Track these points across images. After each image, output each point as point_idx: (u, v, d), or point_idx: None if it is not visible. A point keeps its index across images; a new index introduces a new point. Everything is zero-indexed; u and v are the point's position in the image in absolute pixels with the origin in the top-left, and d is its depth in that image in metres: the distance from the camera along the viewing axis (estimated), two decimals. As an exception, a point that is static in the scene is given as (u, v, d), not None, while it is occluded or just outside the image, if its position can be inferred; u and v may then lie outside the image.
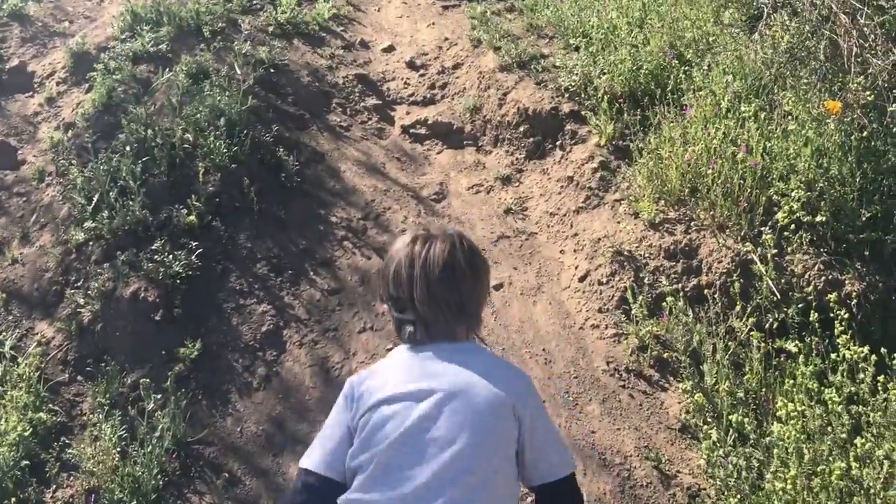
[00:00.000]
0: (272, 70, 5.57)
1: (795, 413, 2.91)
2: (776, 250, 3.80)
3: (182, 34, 5.81)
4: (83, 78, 5.68)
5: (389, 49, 6.52)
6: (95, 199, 4.45)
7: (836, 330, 3.40)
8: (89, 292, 4.08)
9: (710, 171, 4.14)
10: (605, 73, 5.16)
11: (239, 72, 5.36)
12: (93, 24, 6.52)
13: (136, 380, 3.72)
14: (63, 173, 4.80)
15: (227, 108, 4.87)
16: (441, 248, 1.89)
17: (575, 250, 4.44)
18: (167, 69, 5.32)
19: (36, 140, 5.39)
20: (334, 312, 4.15)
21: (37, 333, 4.05)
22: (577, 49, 5.76)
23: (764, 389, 3.42)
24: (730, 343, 3.62)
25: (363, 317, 4.12)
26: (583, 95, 5.26)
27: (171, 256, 4.14)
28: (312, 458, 1.79)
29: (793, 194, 3.87)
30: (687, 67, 4.87)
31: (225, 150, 4.63)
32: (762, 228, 3.94)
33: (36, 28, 6.49)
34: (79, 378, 3.85)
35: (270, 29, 6.17)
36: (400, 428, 1.70)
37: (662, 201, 4.35)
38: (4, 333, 4.06)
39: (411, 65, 6.26)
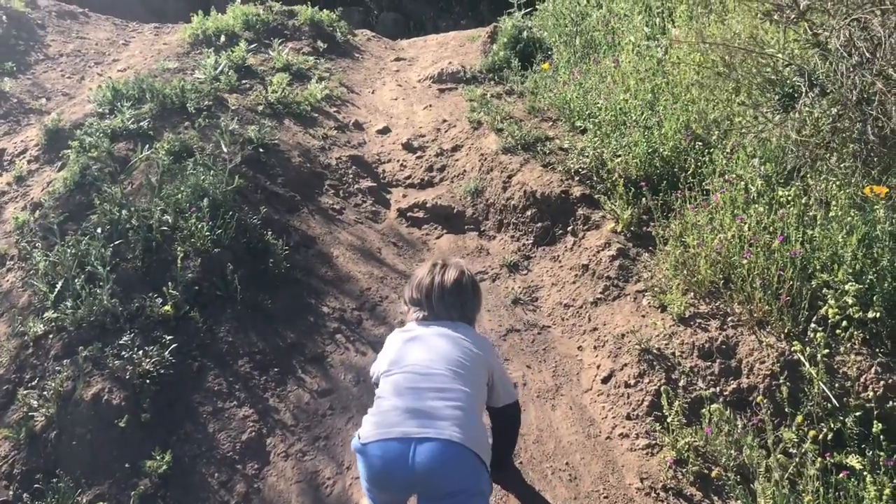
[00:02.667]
0: (261, 150, 5.20)
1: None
2: (826, 350, 3.38)
3: (165, 111, 5.46)
4: (57, 156, 5.28)
5: (385, 130, 6.21)
6: (59, 286, 3.97)
7: (904, 443, 2.99)
8: (45, 393, 3.55)
9: (744, 261, 3.76)
10: (618, 156, 4.84)
11: (225, 150, 4.98)
12: (71, 101, 6.17)
13: (93, 499, 3.16)
14: (25, 257, 4.32)
15: (212, 188, 4.46)
16: (454, 272, 3.02)
17: (595, 347, 3.99)
18: (147, 147, 4.94)
19: (0, 221, 4.94)
20: (325, 417, 3.64)
21: (-20, 442, 3.50)
22: (583, 131, 5.47)
23: (827, 514, 2.95)
24: (780, 457, 3.15)
25: (358, 423, 3.59)
26: (595, 178, 4.92)
27: (140, 352, 3.65)
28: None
29: (843, 288, 3.48)
30: (708, 150, 4.55)
31: (207, 234, 4.20)
32: (808, 325, 3.53)
33: (10, 104, 6.13)
34: (25, 497, 3.27)
35: (260, 108, 5.86)
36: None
37: (692, 293, 3.94)
38: (-59, 442, 3.50)
39: (408, 146, 5.94)
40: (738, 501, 3.11)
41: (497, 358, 3.05)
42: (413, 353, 2.80)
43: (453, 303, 2.96)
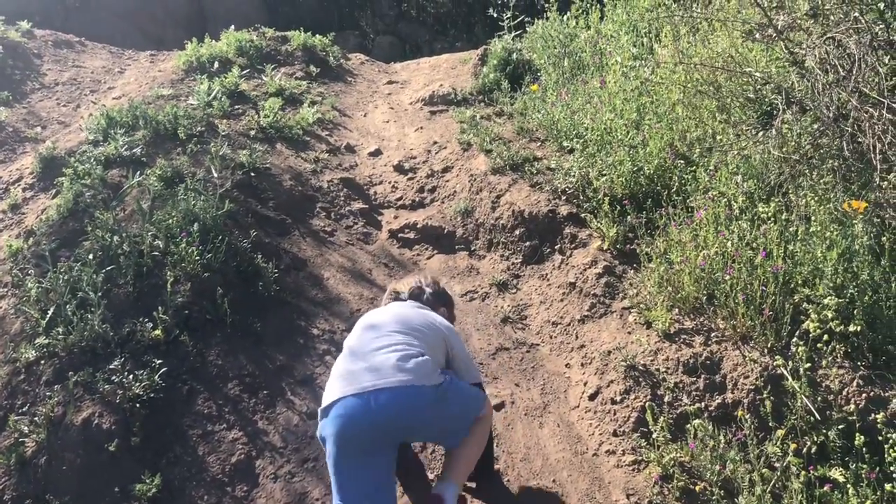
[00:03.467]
0: (252, 174, 5.27)
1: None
2: (808, 364, 3.41)
3: (158, 138, 5.54)
4: (51, 183, 5.34)
5: (376, 153, 6.28)
6: (51, 312, 4.01)
7: (886, 455, 3.01)
8: (36, 419, 3.59)
9: (727, 277, 3.79)
10: (603, 175, 4.90)
11: (216, 175, 5.04)
12: (66, 129, 6.25)
13: (83, 523, 3.19)
14: (18, 284, 4.37)
15: (202, 212, 4.52)
16: (420, 276, 3.52)
17: (583, 364, 4.02)
18: (139, 173, 5.00)
19: (-5, 249, 4.99)
20: (314, 439, 3.67)
21: (-29, 468, 3.52)
22: (571, 151, 5.53)
23: (811, 528, 2.96)
24: (764, 471, 3.17)
25: (347, 443, 3.63)
26: (581, 197, 4.97)
27: (131, 376, 3.68)
28: None
29: (823, 302, 3.51)
30: (692, 168, 4.61)
31: (197, 258, 4.25)
32: (790, 339, 3.56)
33: (6, 133, 6.20)
34: (15, 522, 3.30)
35: (252, 133, 5.93)
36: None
37: (676, 309, 3.98)
38: (-68, 469, 3.53)
39: (399, 168, 6.01)
40: (723, 516, 3.13)
41: (457, 337, 3.19)
42: (368, 321, 3.04)
43: (418, 290, 3.37)
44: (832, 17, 3.97)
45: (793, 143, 4.03)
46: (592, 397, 3.80)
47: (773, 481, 3.08)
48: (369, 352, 2.86)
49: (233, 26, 8.07)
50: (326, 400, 2.80)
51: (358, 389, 2.70)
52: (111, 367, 3.75)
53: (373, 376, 2.74)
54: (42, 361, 3.89)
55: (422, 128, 6.57)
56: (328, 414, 2.75)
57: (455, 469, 2.95)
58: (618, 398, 3.69)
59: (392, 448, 2.82)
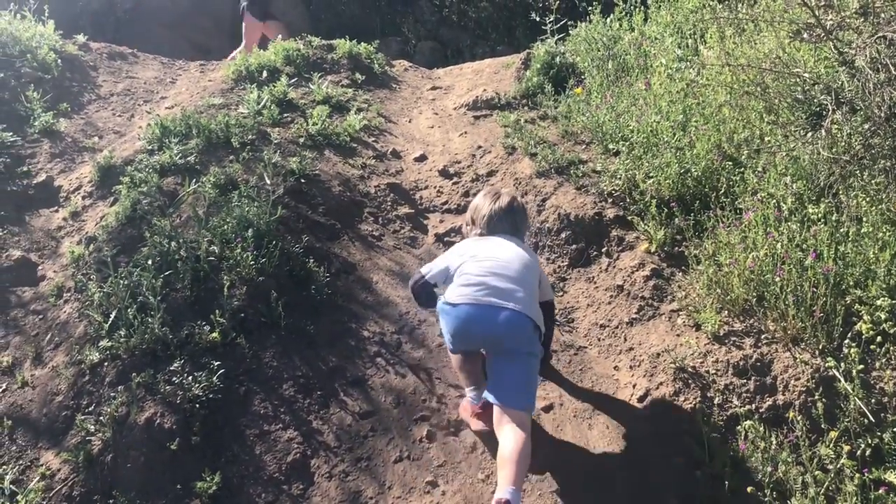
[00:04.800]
0: (303, 180, 5.38)
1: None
2: (861, 366, 3.39)
3: (211, 146, 5.68)
4: (109, 191, 5.52)
5: (422, 158, 6.36)
6: (113, 315, 4.16)
7: (944, 458, 2.99)
8: (101, 418, 3.73)
9: (777, 279, 3.79)
10: (650, 177, 4.91)
11: (268, 182, 5.17)
12: (122, 138, 6.45)
13: (147, 519, 3.31)
14: (81, 289, 4.54)
15: (256, 218, 4.64)
16: (507, 197, 3.94)
17: (631, 367, 4.04)
18: (194, 181, 5.15)
19: (57, 255, 5.18)
20: (367, 439, 3.75)
21: (41, 465, 3.67)
22: (616, 154, 5.54)
23: (866, 530, 2.95)
24: (817, 473, 3.16)
25: (399, 444, 3.71)
26: (628, 200, 4.98)
27: (190, 378, 3.81)
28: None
29: (876, 303, 3.49)
30: (739, 169, 4.59)
31: (252, 262, 4.37)
32: (843, 341, 3.54)
33: (66, 144, 6.42)
34: (84, 518, 3.44)
35: (301, 140, 6.05)
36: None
37: (726, 311, 3.98)
38: (5, 466, 3.69)
39: (444, 173, 6.08)
40: (776, 518, 3.13)
41: (540, 267, 3.95)
42: (488, 250, 3.70)
43: (509, 220, 3.86)
44: (883, 15, 3.94)
45: (843, 144, 4.00)
46: (641, 399, 3.82)
47: (826, 483, 3.08)
48: (498, 275, 3.56)
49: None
50: (461, 297, 3.54)
51: (488, 303, 3.48)
52: (171, 368, 3.88)
53: (500, 298, 3.49)
54: (105, 363, 4.04)
55: (466, 132, 6.63)
56: (457, 308, 3.55)
57: (519, 475, 3.13)
58: (667, 400, 3.70)
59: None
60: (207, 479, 3.46)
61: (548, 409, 3.86)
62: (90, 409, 3.86)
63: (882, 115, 3.64)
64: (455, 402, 3.93)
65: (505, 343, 3.45)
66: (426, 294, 3.84)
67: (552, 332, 4.07)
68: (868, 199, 3.85)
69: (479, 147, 6.31)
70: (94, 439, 3.68)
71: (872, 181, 3.88)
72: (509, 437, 3.23)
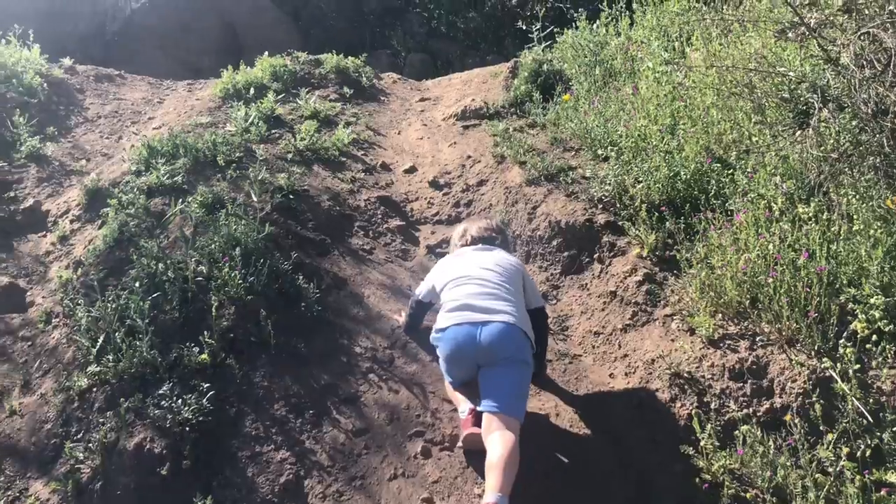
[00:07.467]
0: (291, 196, 5.35)
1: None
2: (858, 365, 3.34)
3: (198, 165, 5.65)
4: (97, 214, 5.48)
5: (411, 170, 6.33)
6: (101, 340, 4.12)
7: (945, 457, 2.94)
8: (90, 445, 3.68)
9: (770, 280, 3.75)
10: (640, 182, 4.87)
11: (256, 199, 5.14)
12: (109, 160, 6.41)
13: (138, 547, 3.25)
14: (69, 314, 4.49)
15: (244, 237, 4.60)
16: (484, 219, 4.44)
17: (626, 374, 4.00)
18: (181, 201, 5.11)
19: (46, 280, 5.13)
20: (361, 457, 3.70)
21: (31, 495, 3.61)
22: (605, 159, 5.52)
23: (869, 533, 2.90)
24: (817, 476, 3.11)
25: (393, 461, 3.66)
26: (618, 205, 4.95)
27: (180, 401, 3.75)
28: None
29: (870, 301, 3.45)
30: (729, 171, 4.56)
31: (240, 282, 4.33)
32: (838, 341, 3.50)
33: (53, 168, 6.38)
34: (74, 547, 3.38)
35: (289, 156, 6.02)
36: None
37: (720, 315, 3.94)
38: (-7, 497, 3.64)
39: (434, 184, 6.05)
40: (777, 524, 3.08)
41: (527, 270, 4.25)
42: (465, 267, 3.89)
43: (489, 235, 4.18)
44: (867, 12, 3.92)
45: (831, 142, 3.97)
46: (638, 406, 3.77)
47: (826, 486, 3.03)
48: (480, 294, 3.72)
49: (266, 52, 8.22)
50: (446, 323, 3.70)
51: (470, 321, 3.61)
52: (160, 392, 3.83)
53: (483, 314, 3.63)
54: (94, 389, 3.98)
55: (455, 143, 6.61)
56: (445, 333, 3.71)
57: (506, 481, 3.10)
58: (664, 407, 3.65)
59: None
60: (199, 503, 3.40)
61: (544, 419, 3.81)
62: (79, 436, 3.81)
63: (869, 111, 3.61)
64: (449, 415, 3.87)
65: (497, 353, 3.51)
66: (416, 315, 4.30)
67: (546, 341, 4.06)
68: (858, 197, 3.81)
69: (469, 157, 6.28)
70: (83, 467, 3.62)
71: (862, 178, 3.85)
72: (498, 442, 3.22)
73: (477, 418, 3.52)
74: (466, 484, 3.51)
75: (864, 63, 3.68)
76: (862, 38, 3.77)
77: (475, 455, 3.54)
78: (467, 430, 3.57)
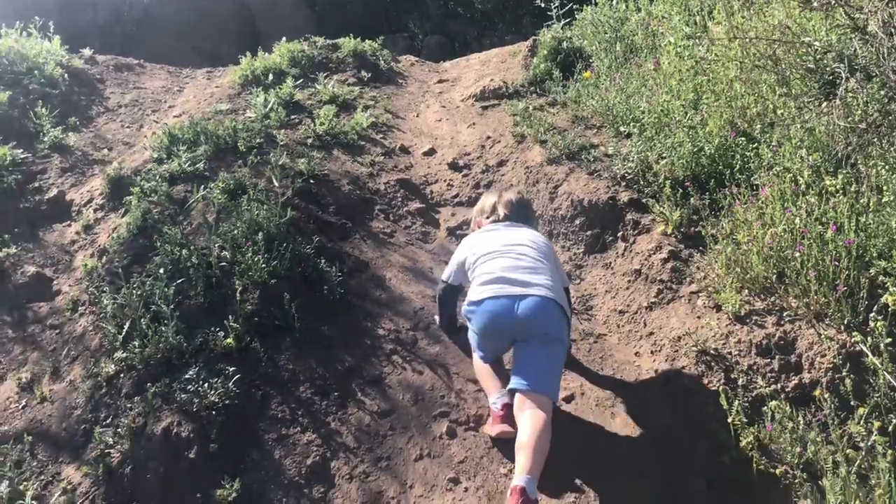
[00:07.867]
0: (312, 181, 5.35)
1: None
2: (889, 339, 3.28)
3: (219, 152, 5.66)
4: (120, 203, 5.52)
5: (430, 152, 6.30)
6: (127, 326, 4.15)
7: (979, 429, 2.89)
8: (119, 430, 3.72)
9: (797, 254, 3.69)
10: (663, 158, 4.81)
11: (277, 185, 5.14)
12: (131, 149, 6.45)
13: (169, 529, 3.29)
14: (95, 302, 4.53)
15: (266, 221, 4.61)
16: (514, 192, 4.30)
17: (652, 352, 3.96)
18: (203, 187, 5.13)
19: (71, 269, 5.19)
20: (386, 438, 3.71)
21: (63, 479, 3.66)
22: (628, 136, 5.45)
23: (902, 508, 2.85)
24: (849, 451, 3.07)
25: (419, 442, 3.66)
26: (641, 182, 4.89)
27: (206, 385, 3.78)
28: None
29: (901, 273, 3.38)
30: (754, 145, 4.49)
31: (263, 266, 4.34)
32: (868, 315, 3.43)
33: (76, 157, 6.43)
34: (106, 530, 3.43)
35: (309, 141, 6.02)
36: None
37: (746, 290, 3.89)
38: (27, 482, 3.68)
39: (454, 166, 6.02)
40: (808, 500, 3.04)
41: (556, 253, 4.22)
42: (500, 241, 3.81)
43: (518, 211, 4.08)
44: (894, -22, 3.82)
45: (859, 112, 3.89)
46: (664, 385, 3.74)
47: (858, 462, 2.98)
48: (516, 267, 3.65)
49: (284, 38, 8.20)
50: (482, 295, 3.61)
51: (508, 294, 3.54)
52: (186, 376, 3.86)
53: (520, 288, 3.55)
54: (121, 375, 4.02)
55: (474, 124, 6.57)
56: (481, 305, 3.61)
57: (537, 463, 3.09)
58: (691, 384, 3.62)
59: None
60: (227, 486, 3.42)
61: (569, 399, 3.79)
62: (108, 421, 3.85)
63: (898, 79, 3.53)
64: (474, 396, 3.87)
65: (534, 328, 3.46)
66: (447, 302, 4.21)
67: (570, 321, 3.99)
68: (888, 168, 3.74)
69: (489, 137, 6.24)
70: (112, 451, 3.66)
71: (892, 148, 3.77)
72: (529, 422, 3.20)
73: (509, 414, 3.42)
74: (493, 464, 3.51)
75: (893, 31, 3.59)
76: (890, 4, 3.67)
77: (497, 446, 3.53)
78: (499, 426, 3.46)
